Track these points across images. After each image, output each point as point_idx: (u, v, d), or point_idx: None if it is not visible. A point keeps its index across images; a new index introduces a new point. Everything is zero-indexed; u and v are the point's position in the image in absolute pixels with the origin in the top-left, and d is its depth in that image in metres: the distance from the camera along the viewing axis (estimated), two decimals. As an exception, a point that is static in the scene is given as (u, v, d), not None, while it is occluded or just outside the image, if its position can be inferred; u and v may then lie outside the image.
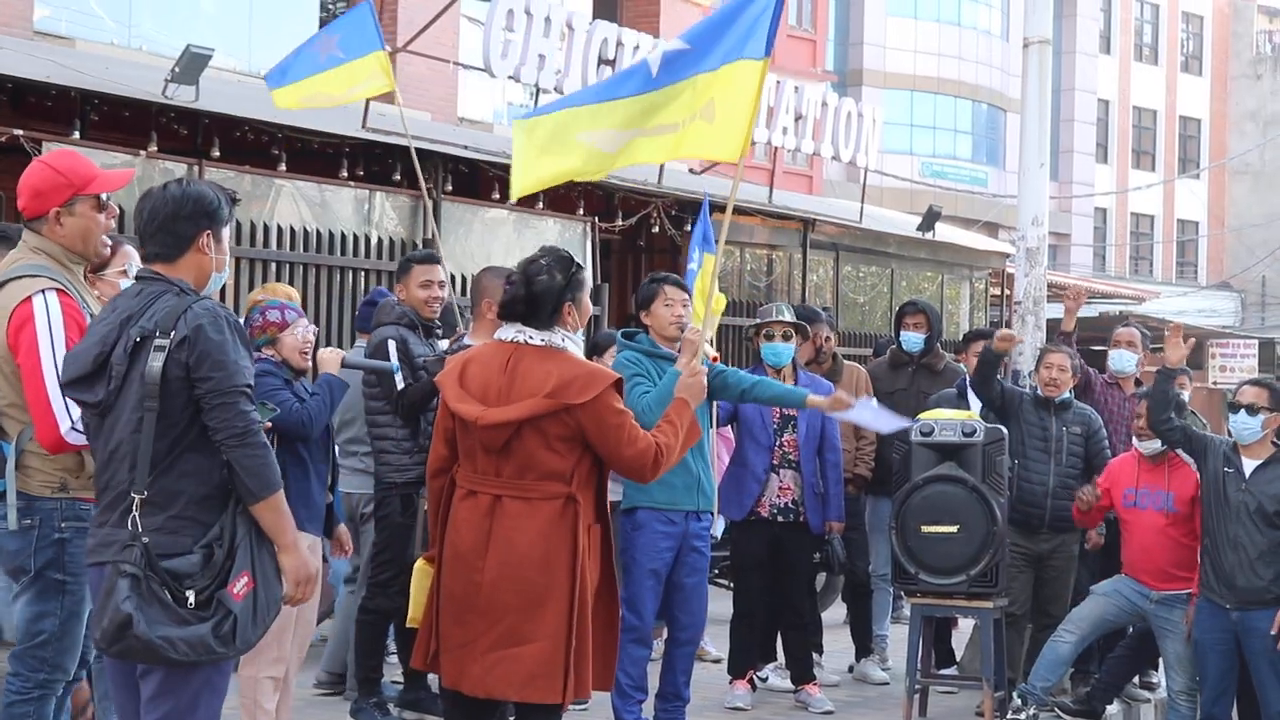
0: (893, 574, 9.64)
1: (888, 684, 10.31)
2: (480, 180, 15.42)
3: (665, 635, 8.42)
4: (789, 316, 9.49)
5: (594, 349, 10.13)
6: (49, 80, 12.10)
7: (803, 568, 9.58)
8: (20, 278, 5.44)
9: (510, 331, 5.90)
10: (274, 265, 13.07)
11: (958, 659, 10.67)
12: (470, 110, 20.68)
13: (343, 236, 13.77)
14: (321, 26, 19.87)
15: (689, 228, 14.39)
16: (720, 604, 10.38)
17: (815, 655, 10.00)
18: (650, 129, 7.06)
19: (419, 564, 6.10)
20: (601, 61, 15.67)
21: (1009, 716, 9.02)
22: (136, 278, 5.06)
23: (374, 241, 14.04)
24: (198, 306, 4.83)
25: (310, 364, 7.37)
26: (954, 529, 9.03)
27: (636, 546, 7.95)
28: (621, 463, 5.83)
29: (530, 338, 5.84)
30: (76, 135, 12.06)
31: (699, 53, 6.94)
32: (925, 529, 9.08)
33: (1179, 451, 9.16)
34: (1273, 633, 8.61)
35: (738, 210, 17.92)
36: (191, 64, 12.28)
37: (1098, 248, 52.42)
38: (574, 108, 7.42)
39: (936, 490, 9.10)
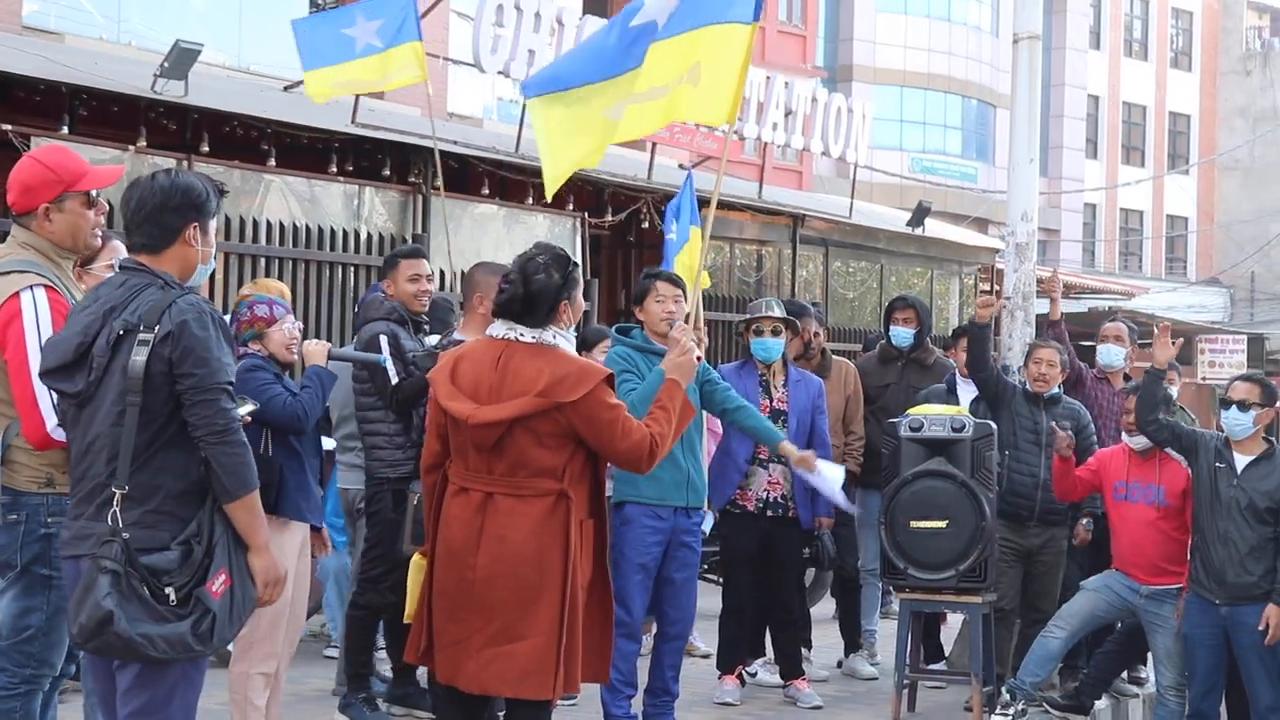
0: (881, 569, 9.66)
1: (876, 679, 10.32)
2: (470, 175, 15.41)
3: (654, 630, 8.43)
4: (779, 312, 9.50)
5: (583, 344, 10.12)
6: (38, 75, 12.08)
7: (792, 563, 9.59)
8: (8, 273, 5.42)
9: (502, 328, 5.89)
10: (263, 260, 13.07)
11: (946, 654, 10.68)
12: (460, 105, 20.67)
13: (332, 232, 13.77)
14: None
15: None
16: (709, 599, 10.38)
17: (804, 650, 10.01)
18: (642, 94, 7.06)
19: (415, 559, 6.10)
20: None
21: (997, 711, 9.03)
22: (120, 267, 5.04)
23: (363, 237, 14.04)
24: (182, 301, 4.82)
25: (295, 358, 7.38)
26: (943, 524, 9.04)
27: (625, 541, 7.95)
28: (617, 456, 5.83)
29: (521, 335, 5.84)
30: (65, 130, 12.05)
31: (684, 12, 6.93)
32: (914, 524, 9.10)
33: (1169, 450, 9.18)
34: (1261, 628, 8.63)
35: (728, 205, 17.95)
36: (180, 59, 12.26)
37: (1087, 243, 52.45)
38: (593, 84, 7.38)
39: (926, 485, 9.11)
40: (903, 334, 10.70)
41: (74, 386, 4.88)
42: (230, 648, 7.37)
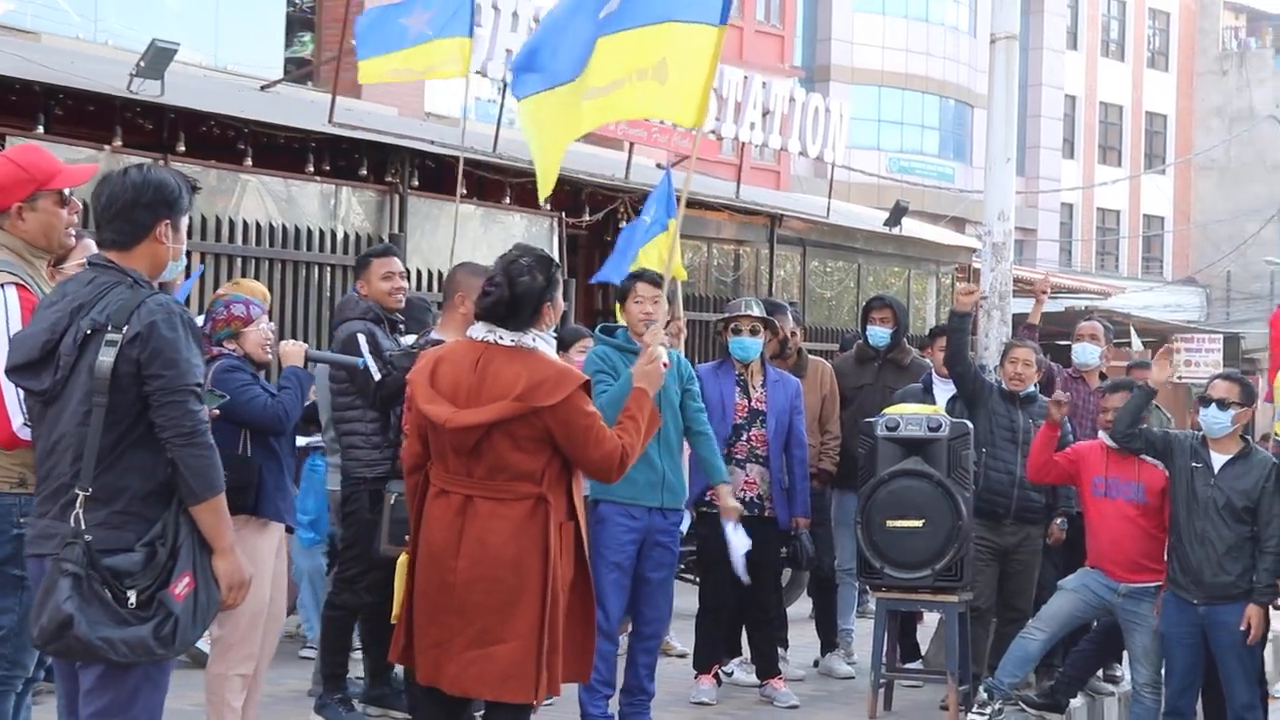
0: (858, 568, 9.66)
1: (853, 678, 10.32)
2: (447, 175, 15.40)
3: (629, 630, 8.43)
4: (758, 311, 9.50)
5: (560, 344, 10.11)
6: (13, 75, 12.06)
7: (769, 563, 9.59)
8: (-20, 271, 5.40)
9: (481, 330, 5.87)
10: (239, 260, 13.05)
11: (923, 653, 10.70)
12: (437, 105, 20.65)
13: (309, 231, 13.76)
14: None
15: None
16: (686, 599, 10.39)
17: (780, 650, 10.01)
18: (601, 88, 7.05)
19: (401, 558, 6.10)
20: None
21: (974, 710, 9.03)
22: (89, 264, 5.00)
23: (340, 236, 14.03)
24: (151, 302, 4.79)
25: (270, 358, 7.37)
26: (919, 524, 9.05)
27: (599, 540, 7.95)
28: (589, 464, 5.83)
29: (501, 338, 5.82)
30: (41, 130, 12.04)
31: (637, 6, 6.92)
32: (891, 524, 9.10)
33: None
34: (1242, 628, 8.64)
35: (705, 205, 17.97)
36: (157, 58, 12.25)
37: (1064, 243, 52.58)
38: (574, 80, 7.35)
39: (902, 485, 9.12)
40: (879, 334, 10.71)
41: (40, 384, 4.85)
42: (207, 649, 7.37)
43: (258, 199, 13.60)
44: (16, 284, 5.38)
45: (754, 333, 9.40)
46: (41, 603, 4.70)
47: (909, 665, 10.31)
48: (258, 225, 13.32)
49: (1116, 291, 37.37)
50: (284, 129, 13.78)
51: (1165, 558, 8.97)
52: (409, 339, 8.39)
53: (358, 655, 8.97)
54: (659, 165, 18.71)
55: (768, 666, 9.62)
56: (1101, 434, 9.37)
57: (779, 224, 20.17)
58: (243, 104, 14.03)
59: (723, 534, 8.77)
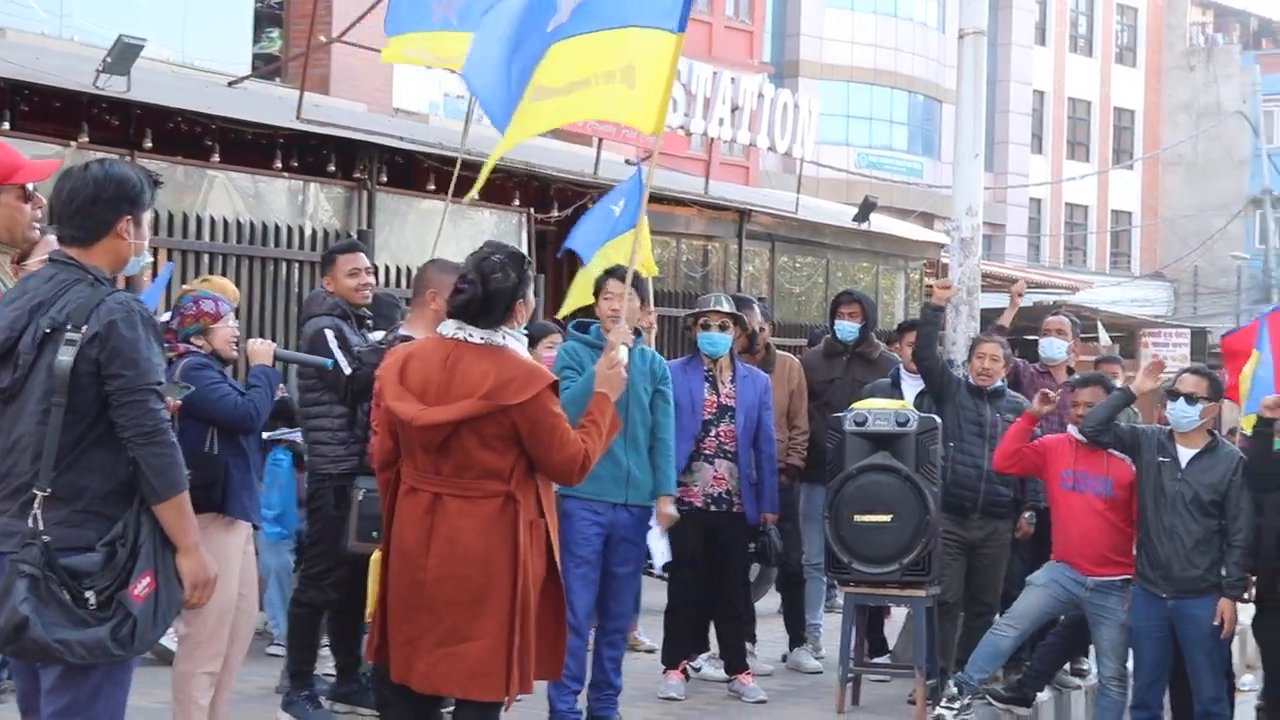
0: (826, 563, 9.67)
1: (821, 673, 10.34)
2: (415, 171, 15.39)
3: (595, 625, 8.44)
4: (727, 307, 9.51)
5: (529, 340, 10.10)
6: (-22, 70, 12.00)
7: (738, 558, 9.60)
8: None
9: (451, 327, 5.87)
10: (207, 257, 13.01)
11: (890, 648, 10.72)
12: (406, 101, 20.62)
13: (276, 228, 13.72)
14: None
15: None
16: (655, 594, 10.40)
17: (749, 645, 10.03)
18: (562, 88, 7.04)
19: (375, 555, 6.09)
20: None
21: (942, 704, 9.06)
22: (49, 260, 4.96)
23: (308, 233, 13.99)
24: (111, 300, 4.76)
25: (236, 356, 7.36)
26: (887, 518, 9.07)
27: (565, 536, 7.92)
28: (552, 466, 5.82)
29: (470, 335, 5.82)
30: (6, 126, 11.97)
31: (594, 10, 6.91)
32: (858, 518, 9.11)
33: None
34: (1215, 623, 8.68)
35: (674, 200, 17.97)
36: (124, 54, 12.19)
37: (1032, 238, 52.70)
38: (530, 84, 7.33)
39: (870, 479, 9.13)
40: (848, 328, 10.72)
41: None
42: (174, 647, 7.36)
43: (225, 195, 13.55)
44: (-22, 279, 5.36)
45: (723, 328, 9.41)
46: None
47: (877, 660, 10.33)
48: (225, 222, 13.28)
49: (1084, 286, 37.53)
50: (251, 125, 13.74)
51: (1134, 552, 9.01)
52: (377, 335, 8.38)
53: (326, 652, 8.96)
54: (628, 161, 18.71)
55: (736, 661, 9.63)
56: (1071, 428, 9.40)
57: (748, 219, 20.18)
58: (210, 100, 13.98)
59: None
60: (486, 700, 5.78)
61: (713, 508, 9.30)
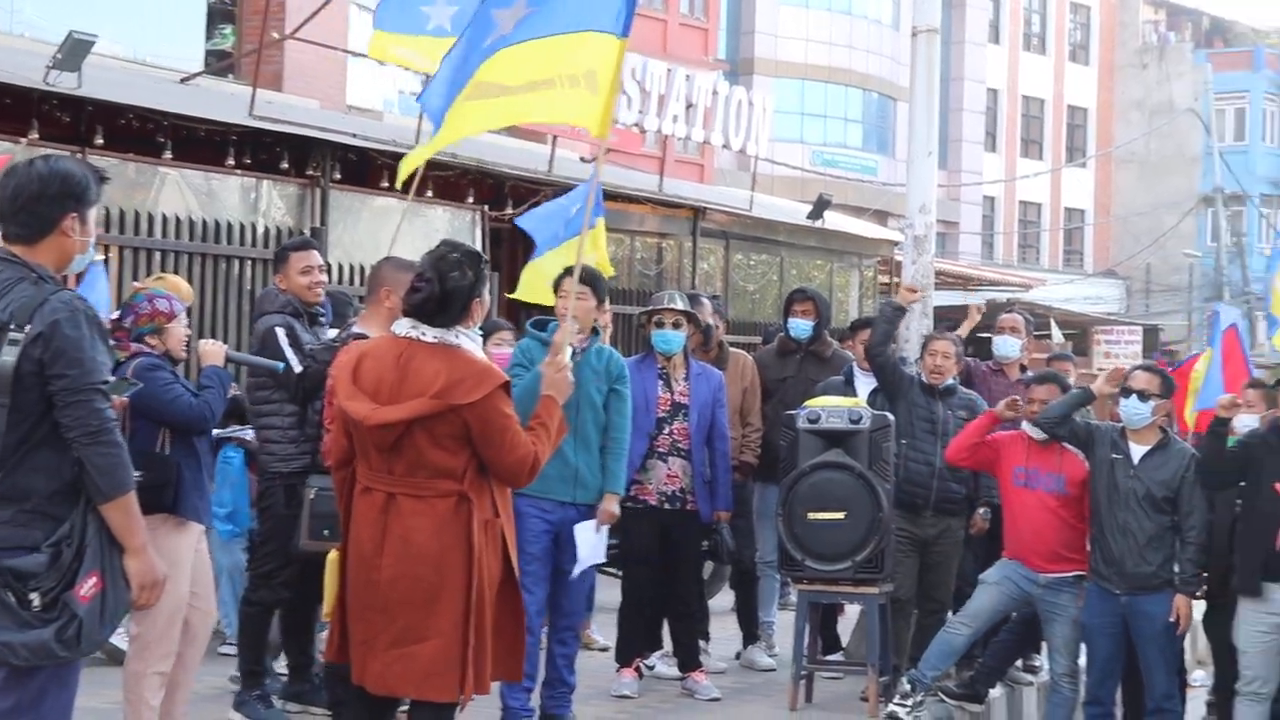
0: (779, 561, 9.69)
1: (774, 670, 10.35)
2: (369, 168, 15.33)
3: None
4: (681, 304, 9.51)
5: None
6: (-74, 67, 11.91)
7: (691, 556, 9.60)
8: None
9: (405, 326, 5.85)
10: (158, 254, 12.93)
11: (844, 645, 10.74)
12: (359, 98, 20.56)
13: (229, 225, 13.65)
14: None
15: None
16: (609, 592, 10.40)
17: (702, 643, 10.03)
18: (518, 86, 7.04)
19: (331, 555, 6.07)
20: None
21: (895, 701, 9.08)
22: None
23: (261, 230, 13.93)
24: (55, 300, 4.73)
25: (186, 356, 7.33)
26: (840, 515, 9.09)
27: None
28: (501, 468, 5.81)
29: (424, 334, 5.80)
30: (-45, 123, 11.89)
31: (545, 17, 6.92)
32: (812, 516, 9.13)
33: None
34: (1171, 619, 8.73)
35: (628, 198, 17.96)
36: (74, 50, 12.11)
37: (986, 235, 52.90)
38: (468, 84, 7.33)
39: (823, 477, 9.15)
40: (801, 326, 10.72)
41: None
42: (125, 646, 7.32)
43: (177, 192, 13.47)
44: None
45: (676, 326, 9.41)
46: None
47: (830, 657, 10.36)
48: (177, 219, 13.21)
49: (1037, 284, 37.70)
50: (204, 122, 13.66)
51: (1088, 548, 9.05)
52: (331, 333, 8.35)
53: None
54: (583, 159, 18.69)
55: (689, 659, 9.64)
56: (1025, 425, 9.42)
57: (702, 217, 20.18)
58: (162, 96, 13.90)
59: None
60: (440, 701, 5.76)
61: (666, 505, 9.30)
